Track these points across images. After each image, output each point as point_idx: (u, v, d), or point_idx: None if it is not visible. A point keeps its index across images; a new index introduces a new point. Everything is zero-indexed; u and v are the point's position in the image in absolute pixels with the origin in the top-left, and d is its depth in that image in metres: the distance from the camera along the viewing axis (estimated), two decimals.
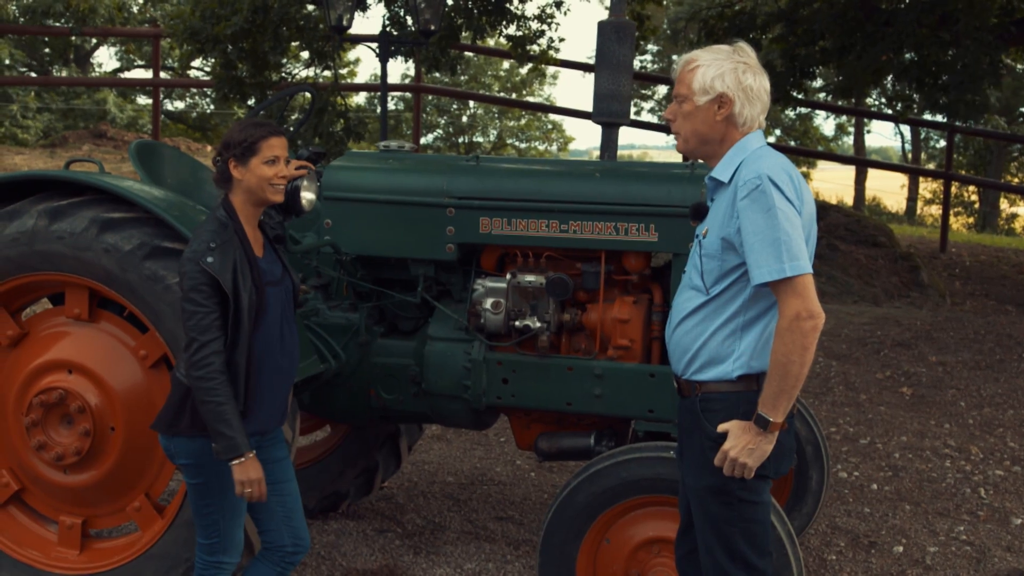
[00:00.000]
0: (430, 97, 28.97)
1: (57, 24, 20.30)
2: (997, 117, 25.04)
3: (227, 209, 3.26)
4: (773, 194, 2.74)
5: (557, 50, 13.00)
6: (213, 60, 12.06)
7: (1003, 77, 10.54)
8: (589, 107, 5.13)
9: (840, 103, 17.77)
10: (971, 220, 28.17)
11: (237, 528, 3.33)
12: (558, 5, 12.66)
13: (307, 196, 3.90)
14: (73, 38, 20.10)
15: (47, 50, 26.11)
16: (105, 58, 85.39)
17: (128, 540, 4.00)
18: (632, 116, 4.57)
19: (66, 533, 4.00)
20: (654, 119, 29.23)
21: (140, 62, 27.90)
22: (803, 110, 26.81)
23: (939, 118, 11.76)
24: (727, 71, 2.86)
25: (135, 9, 24.83)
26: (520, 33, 12.45)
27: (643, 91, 29.76)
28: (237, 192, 3.28)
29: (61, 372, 3.87)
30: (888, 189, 29.03)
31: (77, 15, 14.47)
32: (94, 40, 25.27)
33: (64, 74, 25.98)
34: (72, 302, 3.92)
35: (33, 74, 25.58)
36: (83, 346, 3.89)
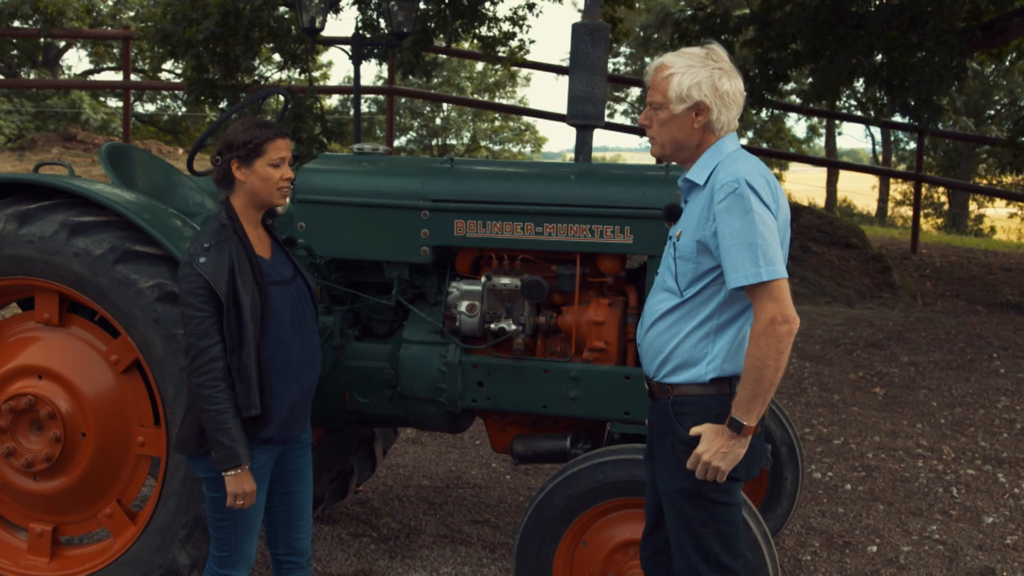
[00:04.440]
0: (403, 99, 28.92)
1: (25, 26, 20.10)
2: (965, 119, 25.30)
3: (228, 211, 3.21)
4: (750, 198, 2.75)
5: (527, 51, 13.03)
6: (184, 63, 12.00)
7: (966, 81, 10.66)
8: (563, 109, 5.12)
9: (812, 105, 17.90)
10: (940, 221, 28.45)
11: (250, 543, 3.31)
12: (530, 7, 12.68)
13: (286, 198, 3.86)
14: (42, 40, 19.92)
15: (15, 52, 25.85)
16: (75, 60, 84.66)
17: (100, 547, 3.96)
18: (606, 118, 4.56)
19: (36, 540, 3.95)
20: (627, 121, 29.32)
21: (110, 64, 27.69)
22: (775, 112, 27.01)
23: (901, 119, 11.86)
24: (703, 79, 2.86)
25: (104, 10, 24.64)
26: (492, 34, 12.46)
27: (616, 93, 29.85)
28: (239, 194, 3.23)
29: (31, 378, 3.82)
30: (859, 191, 29.27)
31: (46, 17, 14.34)
32: (63, 42, 25.05)
33: (33, 76, 25.73)
34: (42, 307, 3.88)
35: (1, 76, 25.32)
36: (53, 351, 3.85)
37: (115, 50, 25.71)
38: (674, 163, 3.21)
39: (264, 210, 3.30)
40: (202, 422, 3.09)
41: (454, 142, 31.88)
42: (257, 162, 3.18)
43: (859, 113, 21.73)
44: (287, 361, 3.23)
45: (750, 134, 30.14)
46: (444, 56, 21.93)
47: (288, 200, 3.89)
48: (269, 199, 3.24)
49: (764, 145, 28.76)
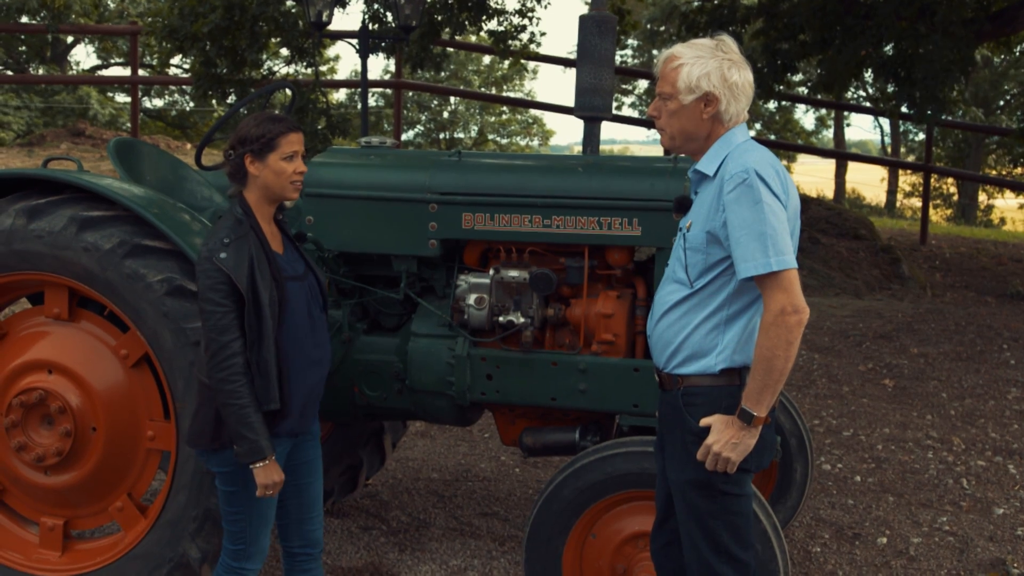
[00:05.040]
0: (411, 93, 28.93)
1: (33, 21, 20.13)
2: (975, 109, 25.20)
3: (243, 206, 3.22)
4: (760, 188, 2.74)
5: (539, 44, 13.01)
6: (192, 58, 12.01)
7: (972, 73, 10.59)
8: (570, 102, 5.12)
9: (820, 96, 17.86)
10: (950, 212, 28.37)
11: (263, 536, 3.32)
12: None
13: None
14: (49, 35, 19.95)
15: (23, 48, 25.90)
16: (83, 55, 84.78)
17: (111, 541, 3.97)
18: (613, 111, 4.58)
19: (47, 534, 3.97)
20: (635, 114, 29.29)
21: (118, 59, 27.75)
22: (783, 103, 26.93)
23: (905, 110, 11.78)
24: (712, 69, 2.85)
25: (111, 5, 24.67)
26: (501, 28, 12.44)
27: (624, 85, 29.82)
28: (252, 188, 3.23)
29: (41, 372, 3.83)
30: (868, 182, 29.20)
31: (53, 12, 14.34)
32: (70, 38, 25.10)
33: (41, 71, 25.80)
34: (51, 301, 3.89)
35: (9, 72, 25.38)
36: (63, 346, 3.86)
37: (121, 44, 25.74)
38: (682, 155, 3.20)
39: (276, 204, 3.30)
40: (224, 417, 3.09)
41: (462, 135, 31.89)
42: (271, 156, 3.18)
43: (868, 104, 21.65)
44: (302, 356, 3.24)
45: (758, 126, 30.07)
46: (451, 49, 21.93)
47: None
48: (282, 193, 3.24)
49: (772, 137, 28.70)
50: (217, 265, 3.05)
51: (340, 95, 30.63)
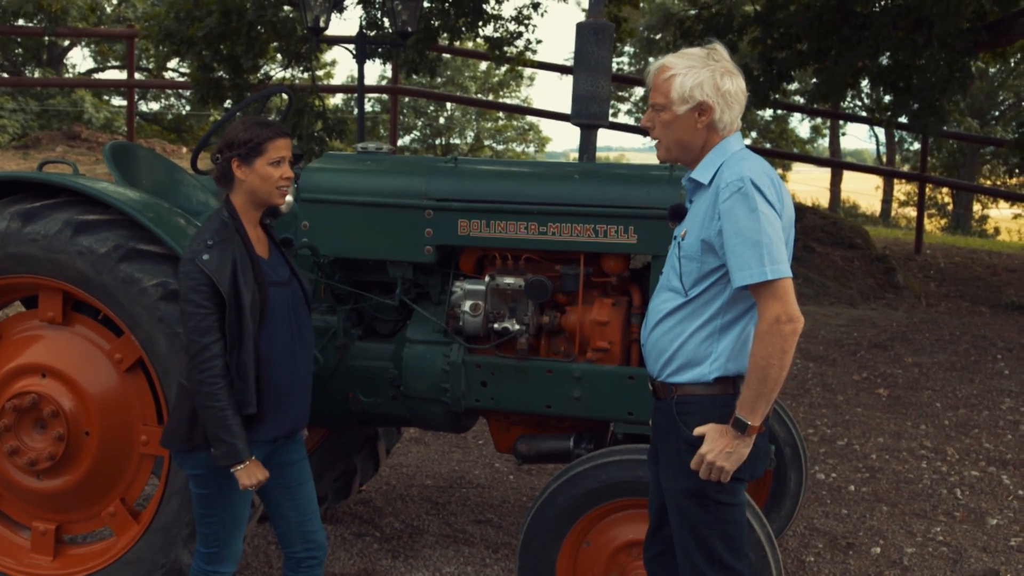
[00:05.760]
0: (407, 99, 28.92)
1: (30, 24, 20.11)
2: (970, 119, 25.27)
3: (229, 209, 3.22)
4: (755, 197, 2.75)
5: (534, 51, 13.02)
6: (190, 62, 12.01)
7: (971, 84, 10.62)
8: (566, 109, 5.11)
9: (816, 105, 17.90)
10: (944, 222, 28.45)
11: (237, 539, 3.32)
12: (535, 6, 12.67)
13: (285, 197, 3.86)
14: (46, 38, 19.92)
15: (19, 51, 25.87)
16: (79, 59, 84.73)
17: (103, 546, 3.96)
18: (609, 118, 4.57)
19: (39, 539, 3.95)
20: (631, 121, 29.31)
21: (114, 63, 27.73)
22: (778, 112, 26.98)
23: (904, 120, 11.79)
24: (705, 79, 2.86)
25: (108, 9, 24.66)
26: (498, 34, 12.45)
27: (620, 93, 29.85)
28: (239, 192, 3.23)
29: (34, 376, 3.82)
30: (863, 191, 29.25)
31: (50, 15, 14.32)
32: (67, 41, 25.07)
33: (37, 75, 25.76)
34: (46, 305, 3.88)
35: (5, 75, 25.34)
36: (57, 350, 3.85)
37: (117, 47, 25.71)
38: (680, 165, 3.20)
39: (263, 209, 3.30)
40: (202, 419, 3.09)
41: (458, 141, 31.90)
42: (257, 161, 3.19)
43: (863, 113, 21.70)
44: (282, 361, 3.24)
45: (753, 134, 30.12)
46: (448, 55, 21.96)
47: (293, 199, 3.90)
48: (268, 198, 3.24)
49: (768, 145, 28.75)
50: (199, 267, 3.06)
51: (336, 100, 30.64)
